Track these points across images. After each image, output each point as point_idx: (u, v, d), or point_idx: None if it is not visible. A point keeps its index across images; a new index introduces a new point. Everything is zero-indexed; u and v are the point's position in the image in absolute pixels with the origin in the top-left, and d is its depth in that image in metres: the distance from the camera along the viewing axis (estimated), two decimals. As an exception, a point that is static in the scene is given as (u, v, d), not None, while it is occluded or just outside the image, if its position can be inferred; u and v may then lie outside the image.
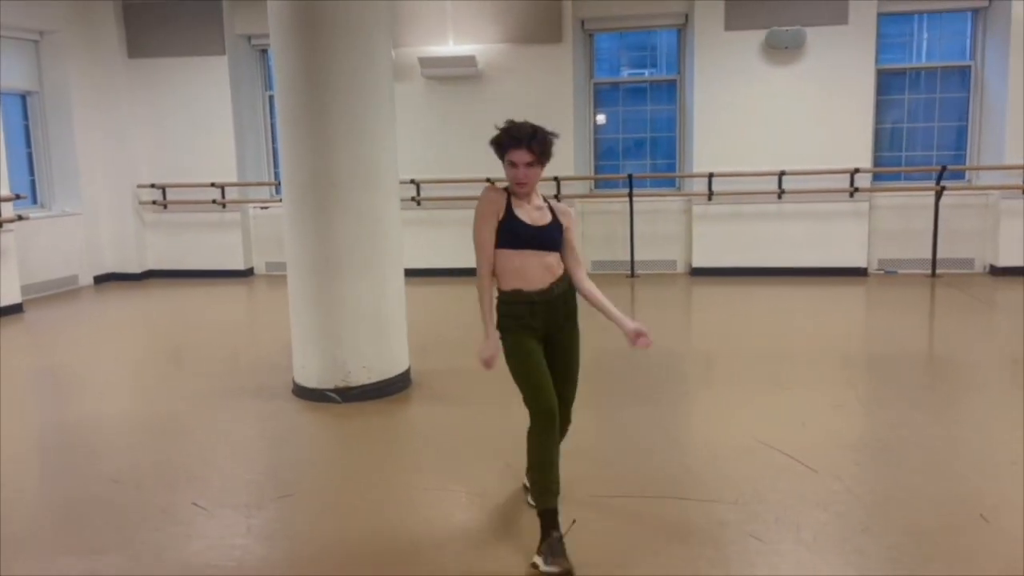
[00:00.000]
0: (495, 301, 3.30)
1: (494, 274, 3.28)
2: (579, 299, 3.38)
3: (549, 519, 3.09)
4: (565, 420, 3.41)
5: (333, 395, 5.14)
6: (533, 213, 3.25)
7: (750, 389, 5.42)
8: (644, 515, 3.51)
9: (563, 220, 3.31)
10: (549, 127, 3.21)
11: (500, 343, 3.26)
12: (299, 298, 5.26)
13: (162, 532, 3.45)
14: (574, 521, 3.29)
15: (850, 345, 6.73)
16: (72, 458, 4.44)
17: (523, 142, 3.12)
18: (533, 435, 3.17)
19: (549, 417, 3.14)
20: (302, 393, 5.31)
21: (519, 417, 3.27)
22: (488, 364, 3.25)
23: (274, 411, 5.15)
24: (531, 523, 3.17)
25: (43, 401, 5.69)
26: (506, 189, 3.25)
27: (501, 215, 3.22)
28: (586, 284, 3.37)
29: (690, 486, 3.79)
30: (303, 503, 3.76)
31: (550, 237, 3.26)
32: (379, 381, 5.24)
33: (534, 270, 3.23)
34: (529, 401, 3.18)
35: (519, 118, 3.22)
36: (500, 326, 3.27)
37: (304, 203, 5.10)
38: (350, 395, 5.14)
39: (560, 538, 3.05)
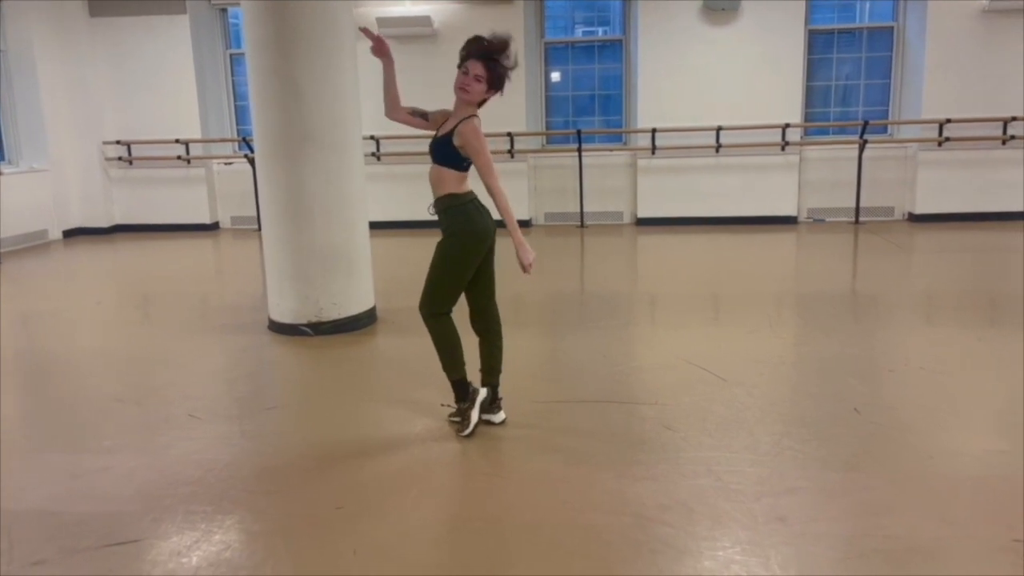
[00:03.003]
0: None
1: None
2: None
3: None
4: (423, 314, 3.81)
5: (306, 329, 5.71)
6: (445, 126, 3.64)
7: (682, 322, 6.10)
8: (577, 415, 4.15)
9: (456, 138, 3.54)
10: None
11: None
12: (273, 242, 5.78)
13: (167, 435, 4.03)
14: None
15: (779, 286, 7.42)
16: (75, 381, 4.97)
17: (484, 56, 3.46)
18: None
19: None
20: (277, 328, 5.86)
21: (474, 347, 3.91)
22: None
23: (252, 343, 5.71)
24: (481, 429, 3.84)
25: (37, 338, 6.15)
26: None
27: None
28: (493, 196, 3.61)
29: (617, 393, 4.45)
30: (287, 413, 4.35)
31: (436, 149, 3.63)
32: (348, 316, 5.81)
33: (432, 181, 3.70)
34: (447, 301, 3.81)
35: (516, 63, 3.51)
36: None
37: (276, 155, 5.59)
38: (322, 329, 5.71)
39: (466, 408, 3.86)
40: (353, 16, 5.84)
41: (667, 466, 3.52)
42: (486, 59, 3.49)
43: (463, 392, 3.92)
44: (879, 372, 4.73)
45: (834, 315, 6.20)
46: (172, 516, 3.20)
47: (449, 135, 3.61)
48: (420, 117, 3.85)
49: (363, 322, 5.92)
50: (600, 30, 11.32)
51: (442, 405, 4.12)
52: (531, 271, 3.65)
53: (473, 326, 3.94)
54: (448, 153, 3.63)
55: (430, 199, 3.77)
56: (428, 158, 3.75)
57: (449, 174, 3.67)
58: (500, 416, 3.98)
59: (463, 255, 3.71)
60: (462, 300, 3.84)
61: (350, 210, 5.78)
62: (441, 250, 3.73)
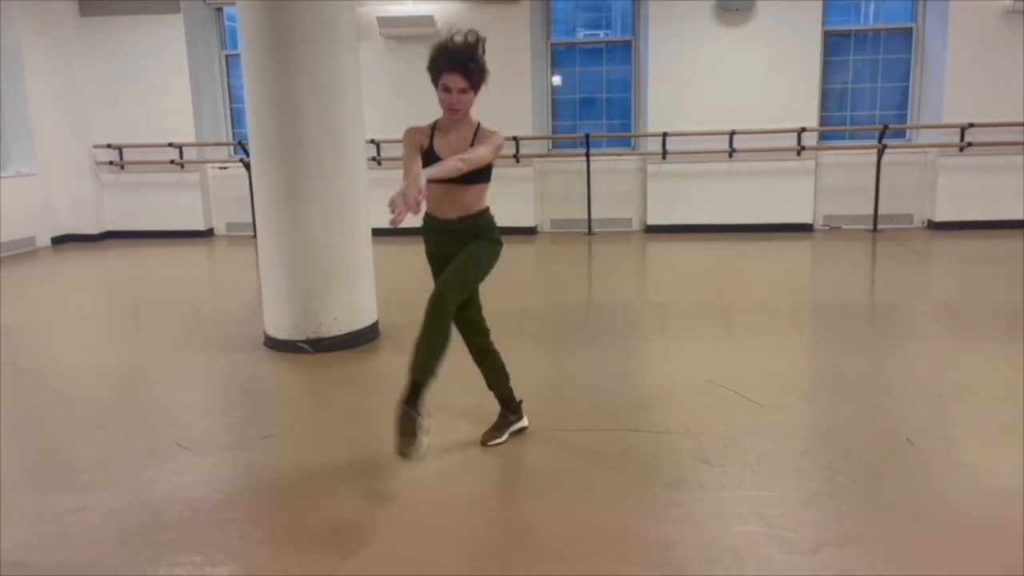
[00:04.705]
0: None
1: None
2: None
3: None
4: (433, 298, 3.30)
5: (305, 346, 5.34)
6: (456, 145, 3.30)
7: (700, 336, 5.74)
8: (600, 446, 3.78)
9: (488, 150, 3.29)
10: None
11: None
12: (269, 253, 5.42)
13: (151, 470, 3.65)
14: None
15: (796, 296, 7.08)
16: (53, 405, 4.59)
17: (459, 67, 3.13)
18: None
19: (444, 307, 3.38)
20: (274, 344, 5.49)
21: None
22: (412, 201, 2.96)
23: (247, 361, 5.34)
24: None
25: (15, 353, 5.77)
26: (434, 123, 3.35)
27: (426, 146, 3.32)
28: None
29: (642, 420, 4.08)
30: (284, 443, 3.97)
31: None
32: (349, 332, 5.44)
33: (444, 202, 3.37)
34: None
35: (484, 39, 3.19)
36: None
37: (273, 160, 5.24)
38: (321, 346, 5.34)
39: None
40: (355, 15, 5.48)
41: (709, 508, 3.15)
42: (462, 68, 3.16)
43: (417, 397, 3.26)
44: (925, 396, 4.36)
45: (863, 330, 5.86)
46: (155, 567, 2.83)
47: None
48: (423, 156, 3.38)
49: (365, 338, 5.55)
50: (601, 32, 10.99)
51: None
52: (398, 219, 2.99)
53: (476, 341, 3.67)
54: (483, 170, 3.34)
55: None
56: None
57: (483, 189, 3.45)
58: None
59: (494, 263, 3.50)
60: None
61: (351, 218, 5.42)
62: (483, 250, 3.44)
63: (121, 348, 5.89)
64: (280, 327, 5.44)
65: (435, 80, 3.24)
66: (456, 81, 3.17)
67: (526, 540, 2.99)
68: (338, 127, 5.24)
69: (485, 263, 3.46)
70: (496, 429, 3.78)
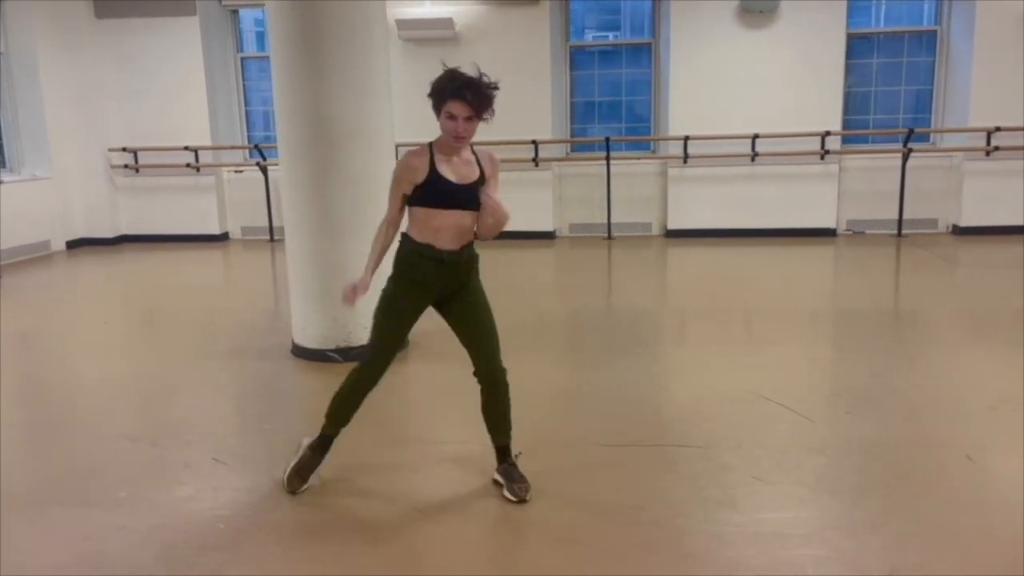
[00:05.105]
0: (402, 247, 3.24)
1: (399, 225, 3.30)
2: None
3: (327, 443, 3.44)
4: (498, 375, 3.31)
5: (334, 355, 5.23)
6: (461, 169, 3.16)
7: (733, 344, 5.64)
8: (646, 461, 3.67)
9: (488, 171, 3.21)
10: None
11: (367, 285, 3.24)
12: (298, 259, 5.32)
13: (189, 484, 3.55)
14: (519, 453, 3.42)
15: (827, 303, 6.98)
16: (82, 417, 4.49)
17: (464, 94, 2.99)
18: (360, 371, 3.34)
19: (377, 369, 3.32)
20: (302, 353, 5.39)
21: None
22: (348, 297, 3.24)
23: (275, 371, 5.24)
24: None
25: (42, 365, 5.68)
26: (429, 146, 3.18)
27: (422, 178, 3.11)
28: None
29: (685, 434, 3.97)
30: (321, 456, 3.86)
31: (475, 197, 3.14)
32: (379, 341, 5.32)
33: (450, 231, 3.15)
34: (374, 348, 3.32)
35: (497, 81, 3.07)
36: (396, 272, 3.26)
37: (303, 163, 5.14)
38: (351, 355, 5.21)
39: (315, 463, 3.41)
40: (386, 15, 5.39)
41: (769, 529, 3.04)
42: (469, 96, 3.01)
43: (508, 455, 3.43)
44: (976, 409, 4.23)
45: (900, 338, 5.75)
46: (201, 592, 2.73)
47: (482, 177, 3.19)
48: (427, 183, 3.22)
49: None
50: (610, 35, 10.88)
51: (517, 455, 3.48)
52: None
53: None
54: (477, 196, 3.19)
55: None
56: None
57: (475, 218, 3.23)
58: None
59: None
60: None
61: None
62: (481, 291, 3.35)
63: (145, 357, 5.79)
64: (308, 336, 5.34)
65: (438, 106, 3.09)
66: (461, 108, 3.01)
67: (575, 555, 2.88)
68: (370, 129, 5.14)
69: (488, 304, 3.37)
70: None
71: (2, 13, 9.71)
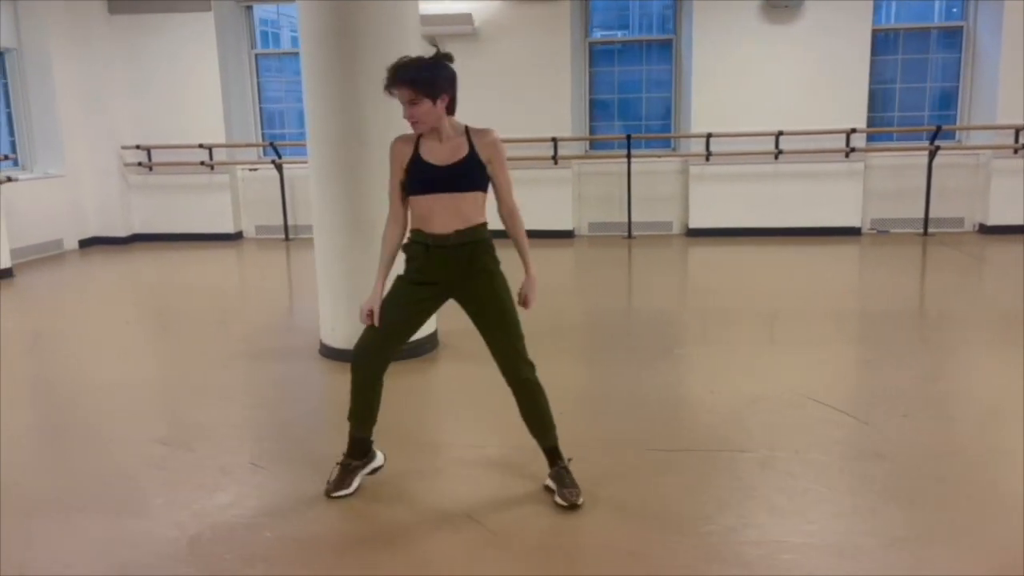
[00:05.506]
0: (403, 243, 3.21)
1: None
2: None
3: (358, 445, 3.33)
4: (520, 377, 3.17)
5: (365, 355, 5.09)
6: (443, 151, 3.06)
7: (772, 345, 5.50)
8: (701, 468, 3.52)
9: (482, 153, 3.06)
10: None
11: (382, 293, 3.19)
12: (328, 259, 5.18)
13: (228, 490, 3.41)
14: (570, 459, 3.28)
15: (856, 303, 6.82)
16: (111, 421, 4.34)
17: (395, 79, 2.97)
18: (352, 363, 3.26)
19: (364, 357, 3.22)
20: (330, 354, 5.25)
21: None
22: (364, 315, 3.17)
23: (304, 372, 5.11)
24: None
25: (62, 367, 5.54)
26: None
27: (407, 161, 3.08)
28: (508, 220, 3.18)
29: (742, 439, 3.82)
30: (362, 462, 3.72)
31: (462, 175, 3.04)
32: (410, 342, 5.16)
33: (440, 214, 3.04)
34: (361, 335, 3.23)
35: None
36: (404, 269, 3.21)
37: (333, 162, 5.00)
38: (382, 355, 5.09)
39: (355, 467, 3.31)
40: (418, 10, 5.26)
41: (844, 541, 2.89)
42: (399, 80, 2.97)
43: (559, 456, 3.29)
44: (1038, 413, 4.10)
45: (942, 339, 5.60)
46: (252, 607, 2.59)
47: (471, 155, 3.06)
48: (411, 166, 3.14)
49: (425, 348, 5.31)
50: (618, 32, 10.73)
51: (568, 460, 3.32)
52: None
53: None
54: (478, 175, 3.09)
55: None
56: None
57: (483, 198, 3.14)
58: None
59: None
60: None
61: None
62: (504, 290, 3.16)
63: (168, 358, 5.66)
64: (337, 336, 5.20)
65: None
66: (401, 93, 2.98)
67: (635, 568, 2.74)
68: (402, 127, 4.95)
69: (512, 303, 3.16)
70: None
71: (15, 8, 9.57)
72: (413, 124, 3.06)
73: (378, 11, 4.87)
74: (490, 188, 3.17)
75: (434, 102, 3.00)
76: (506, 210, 3.18)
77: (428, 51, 3.10)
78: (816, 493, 3.24)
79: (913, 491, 3.25)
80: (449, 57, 3.06)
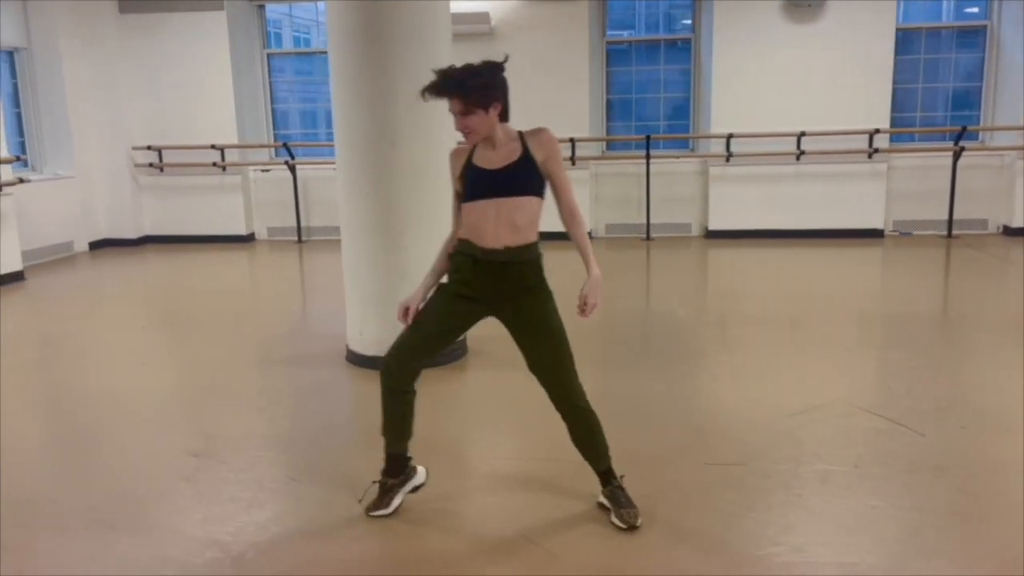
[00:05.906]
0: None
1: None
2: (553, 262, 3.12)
3: (395, 462, 3.18)
4: (570, 408, 3.02)
5: (394, 363, 4.95)
6: (496, 156, 2.91)
7: (811, 350, 5.35)
8: (767, 482, 3.38)
9: (537, 153, 2.90)
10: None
11: (424, 296, 3.06)
12: (356, 262, 5.05)
13: (267, 507, 3.28)
14: (623, 476, 3.14)
15: (885, 306, 6.67)
16: (138, 431, 4.20)
17: (446, 91, 2.83)
18: (381, 375, 3.12)
19: (393, 368, 3.09)
20: (358, 360, 5.12)
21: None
22: (400, 312, 3.07)
23: (332, 379, 4.98)
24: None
25: (79, 373, 5.40)
26: None
27: (460, 169, 2.97)
28: (568, 219, 3.02)
29: (796, 450, 3.69)
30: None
31: (516, 177, 2.88)
32: (439, 348, 5.06)
33: (488, 224, 2.87)
34: (391, 346, 3.12)
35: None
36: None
37: (363, 164, 4.88)
38: (412, 362, 4.95)
39: (393, 486, 3.16)
40: (449, 8, 5.14)
41: (916, 559, 2.76)
42: (451, 91, 2.82)
43: (611, 476, 3.14)
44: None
45: (988, 344, 5.45)
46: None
47: (525, 156, 2.89)
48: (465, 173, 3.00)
49: (455, 355, 5.18)
50: (625, 32, 10.60)
51: (621, 477, 3.19)
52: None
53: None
54: (534, 178, 2.91)
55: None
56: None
57: (538, 205, 2.94)
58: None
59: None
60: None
61: (444, 225, 5.01)
62: (554, 312, 3.00)
63: (188, 364, 5.52)
64: (366, 343, 5.06)
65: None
66: (453, 105, 2.85)
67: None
68: (432, 128, 4.85)
69: (561, 325, 2.99)
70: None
71: (25, 7, 9.43)
72: (466, 135, 2.91)
73: (410, 11, 4.75)
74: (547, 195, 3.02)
75: (486, 111, 2.85)
76: (566, 208, 3.00)
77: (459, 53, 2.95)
78: (882, 511, 3.11)
79: (983, 508, 3.12)
80: (499, 66, 2.91)
